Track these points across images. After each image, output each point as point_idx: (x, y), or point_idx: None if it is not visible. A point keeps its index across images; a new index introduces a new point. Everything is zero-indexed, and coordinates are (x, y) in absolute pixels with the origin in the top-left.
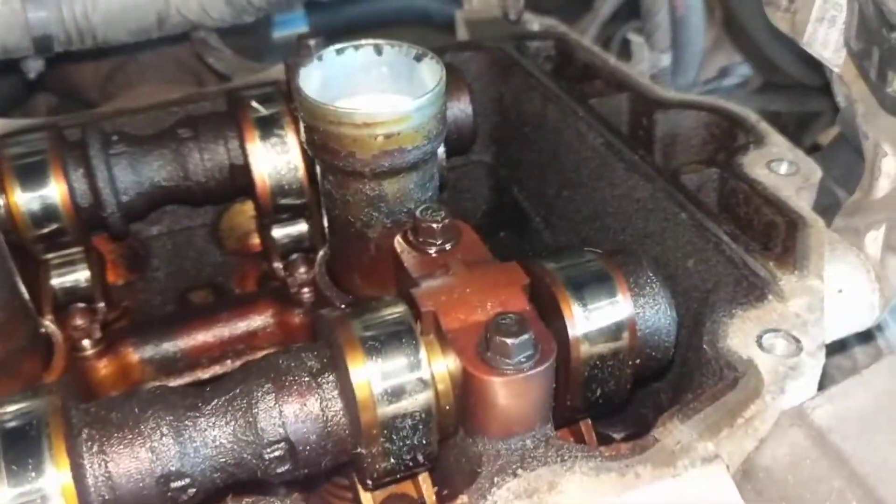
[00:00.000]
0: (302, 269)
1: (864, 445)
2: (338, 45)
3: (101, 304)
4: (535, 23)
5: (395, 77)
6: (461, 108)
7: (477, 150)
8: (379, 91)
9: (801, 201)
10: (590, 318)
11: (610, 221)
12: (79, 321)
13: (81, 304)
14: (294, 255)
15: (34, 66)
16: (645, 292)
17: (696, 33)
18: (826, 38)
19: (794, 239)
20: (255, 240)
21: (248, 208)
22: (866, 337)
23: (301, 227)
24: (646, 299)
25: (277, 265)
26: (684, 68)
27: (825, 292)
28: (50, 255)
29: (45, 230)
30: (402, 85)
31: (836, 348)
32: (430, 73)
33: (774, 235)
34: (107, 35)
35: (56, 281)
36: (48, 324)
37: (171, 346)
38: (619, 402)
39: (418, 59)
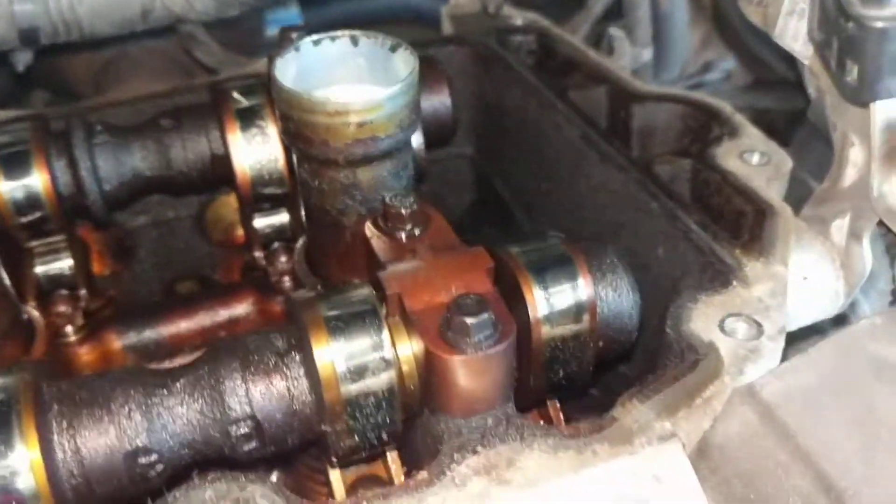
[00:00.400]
0: (283, 258)
1: (808, 421)
2: (315, 36)
3: (84, 292)
4: (518, 17)
5: (371, 68)
6: (440, 100)
7: (460, 144)
8: (355, 82)
9: (772, 191)
10: (550, 301)
11: (587, 213)
12: (62, 308)
13: (65, 292)
14: (275, 245)
15: (22, 59)
16: (607, 276)
17: (679, 29)
18: (796, 30)
19: (762, 227)
20: (240, 231)
21: (233, 200)
22: (842, 319)
23: (282, 218)
24: (607, 283)
25: (259, 254)
26: (667, 64)
27: (790, 279)
28: (34, 243)
29: (29, 218)
30: (378, 75)
31: (811, 332)
32: (405, 63)
33: (743, 224)
34: (93, 27)
35: (40, 269)
36: (30, 310)
37: (153, 334)
38: (583, 384)
39: (393, 49)
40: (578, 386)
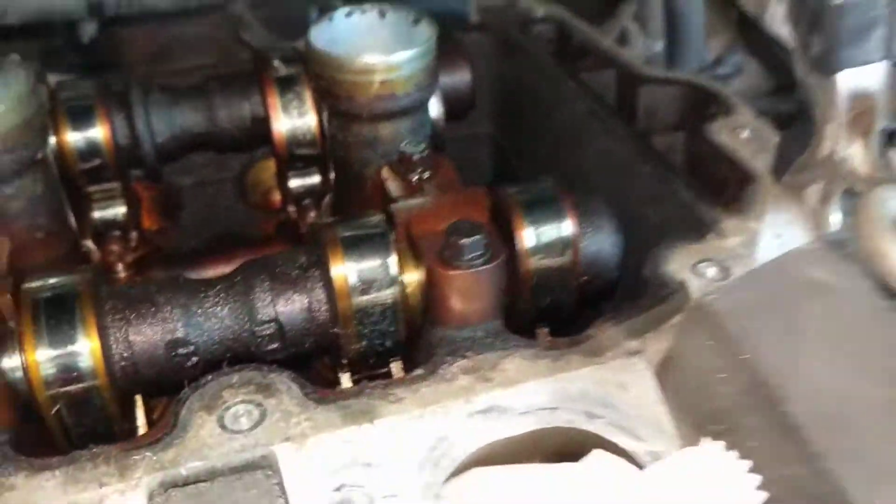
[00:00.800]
0: (312, 213)
1: (748, 331)
2: (347, 9)
3: (134, 234)
4: (540, 9)
5: (395, 37)
6: (461, 75)
7: (482, 124)
8: (381, 49)
9: (757, 162)
10: (538, 235)
11: (591, 180)
12: (114, 247)
13: (117, 233)
14: (306, 201)
15: (88, 30)
16: (591, 218)
17: (694, 30)
18: (783, 15)
19: (742, 191)
20: (276, 196)
21: (271, 165)
22: None
23: (314, 178)
24: (591, 224)
25: (292, 209)
26: (680, 62)
27: (765, 238)
28: (93, 189)
29: (89, 165)
30: (402, 44)
31: None
32: (425, 33)
33: (727, 188)
34: (153, 2)
35: (97, 212)
36: (87, 243)
37: (193, 274)
38: (568, 314)
39: (416, 22)
40: (563, 315)
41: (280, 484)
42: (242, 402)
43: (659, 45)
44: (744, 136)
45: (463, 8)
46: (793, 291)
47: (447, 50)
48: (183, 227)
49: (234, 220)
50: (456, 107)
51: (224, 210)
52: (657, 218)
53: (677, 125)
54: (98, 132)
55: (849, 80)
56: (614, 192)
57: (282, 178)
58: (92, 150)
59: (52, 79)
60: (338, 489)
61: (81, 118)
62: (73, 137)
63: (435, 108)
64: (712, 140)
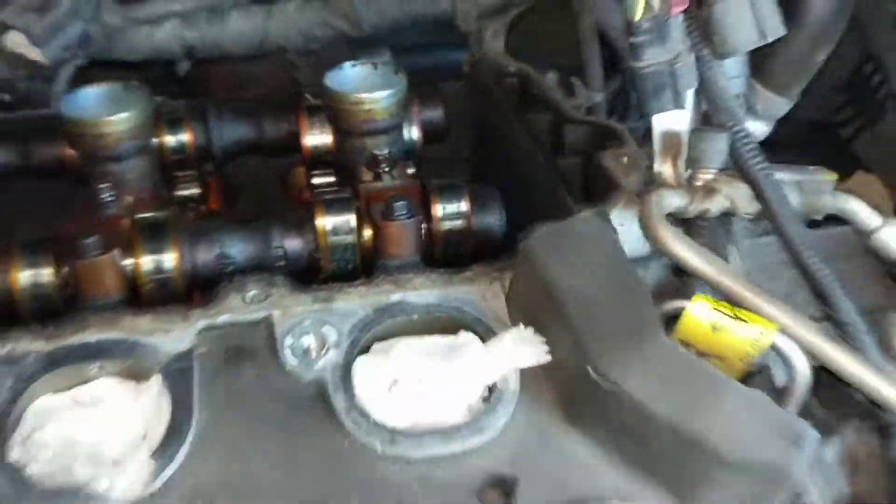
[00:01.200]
0: None
1: (548, 262)
2: (352, 62)
3: (202, 208)
4: (512, 66)
5: (380, 82)
6: (435, 110)
7: (461, 148)
8: (368, 90)
9: (628, 179)
10: (443, 208)
11: (518, 187)
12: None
13: (192, 205)
14: None
15: (183, 67)
16: (485, 202)
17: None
18: None
19: (606, 196)
20: (307, 193)
21: (303, 170)
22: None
23: (330, 178)
24: (482, 204)
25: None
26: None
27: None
28: (178, 174)
29: (177, 157)
30: (383, 87)
31: None
32: (401, 81)
33: (597, 196)
34: (228, 49)
35: (179, 191)
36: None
37: None
38: (467, 261)
39: (396, 72)
40: (464, 262)
41: (272, 332)
42: (258, 289)
43: (599, 97)
44: (623, 160)
45: (459, 62)
46: (571, 237)
47: (429, 91)
48: (237, 211)
49: (277, 209)
50: (432, 133)
51: (270, 200)
52: (544, 210)
53: (583, 153)
54: (184, 136)
55: (659, 122)
56: (524, 191)
57: (308, 179)
58: (179, 147)
59: (156, 99)
60: (307, 333)
61: (175, 126)
62: (168, 139)
63: (415, 133)
64: (599, 163)
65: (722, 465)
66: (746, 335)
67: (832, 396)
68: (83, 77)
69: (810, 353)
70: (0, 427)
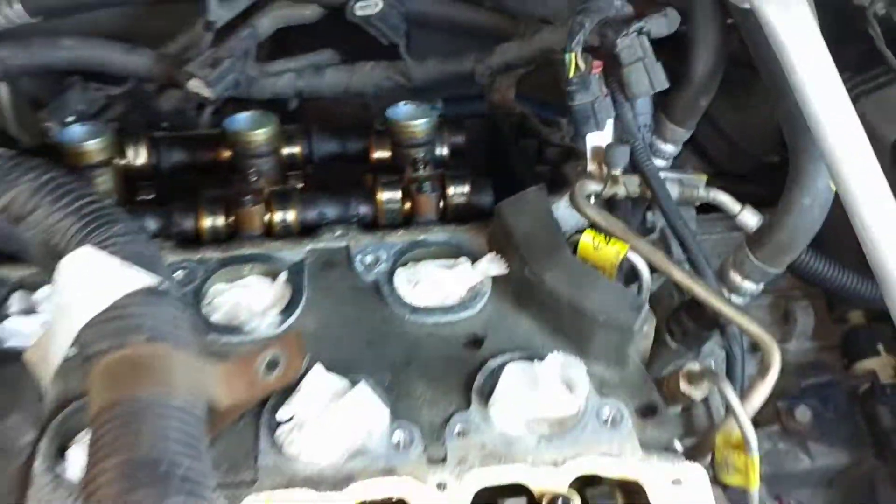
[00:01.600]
0: None
1: (513, 218)
2: (404, 102)
3: None
4: (517, 108)
5: (419, 114)
6: (457, 134)
7: (479, 163)
8: (413, 119)
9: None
10: (454, 189)
11: (510, 191)
12: None
13: None
14: None
15: (293, 104)
16: (481, 187)
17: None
18: None
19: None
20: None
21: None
22: None
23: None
24: (479, 189)
25: None
26: None
27: None
28: (290, 172)
29: (290, 161)
30: (422, 118)
31: None
32: (433, 114)
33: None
34: (323, 93)
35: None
36: None
37: None
38: (467, 221)
39: (433, 108)
40: (465, 222)
41: (349, 253)
42: (342, 230)
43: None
44: (578, 168)
45: (483, 109)
46: (523, 202)
47: (455, 122)
48: None
49: None
50: (456, 151)
51: None
52: None
53: (553, 163)
54: (295, 148)
55: (589, 140)
56: (513, 186)
57: (374, 178)
58: (292, 155)
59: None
60: (370, 254)
61: (289, 141)
62: (285, 148)
63: (445, 150)
64: (562, 169)
65: (597, 324)
66: (611, 251)
67: (697, 313)
68: (228, 108)
69: (653, 266)
70: (196, 296)
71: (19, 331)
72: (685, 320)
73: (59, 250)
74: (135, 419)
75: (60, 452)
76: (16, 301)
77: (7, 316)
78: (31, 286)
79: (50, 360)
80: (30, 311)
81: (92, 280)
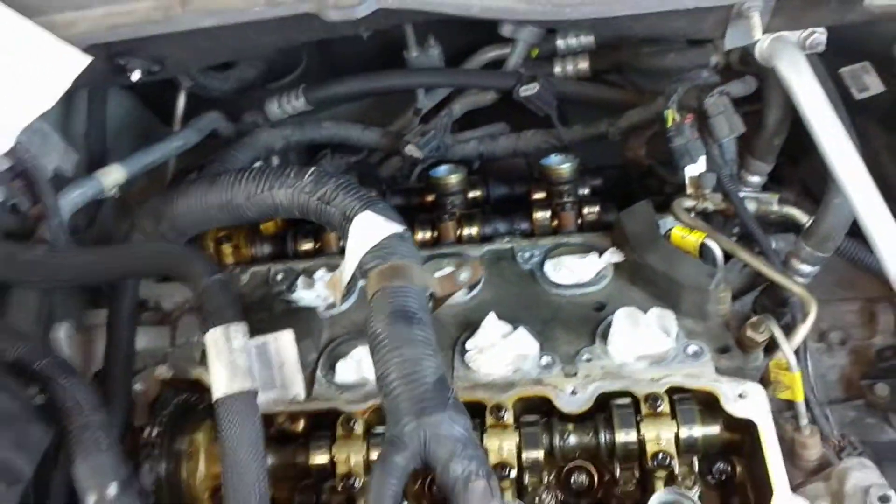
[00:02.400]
0: None
1: (629, 222)
2: (555, 154)
3: None
4: (646, 160)
5: (567, 162)
6: (595, 178)
7: None
8: None
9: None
10: (589, 210)
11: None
12: None
13: None
14: None
15: (475, 163)
16: (607, 208)
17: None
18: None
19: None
20: None
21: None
22: None
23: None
24: (606, 209)
25: None
26: None
27: None
28: (472, 209)
29: (473, 199)
30: (568, 163)
31: None
32: (575, 160)
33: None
34: (497, 154)
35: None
36: None
37: None
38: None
39: (574, 158)
40: (598, 230)
41: (514, 252)
42: (508, 236)
43: None
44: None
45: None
46: (636, 212)
47: (593, 169)
48: None
49: None
50: (595, 189)
51: None
52: None
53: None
54: (478, 192)
55: (688, 170)
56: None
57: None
58: (474, 196)
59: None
60: (528, 252)
61: (472, 186)
62: (470, 191)
63: (586, 189)
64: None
65: (683, 288)
66: (693, 239)
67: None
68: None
69: (727, 251)
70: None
71: (305, 297)
72: (763, 299)
73: (350, 216)
74: (392, 294)
75: (331, 366)
76: (301, 282)
77: (296, 289)
78: (309, 272)
79: (341, 283)
80: (310, 286)
81: (368, 231)
